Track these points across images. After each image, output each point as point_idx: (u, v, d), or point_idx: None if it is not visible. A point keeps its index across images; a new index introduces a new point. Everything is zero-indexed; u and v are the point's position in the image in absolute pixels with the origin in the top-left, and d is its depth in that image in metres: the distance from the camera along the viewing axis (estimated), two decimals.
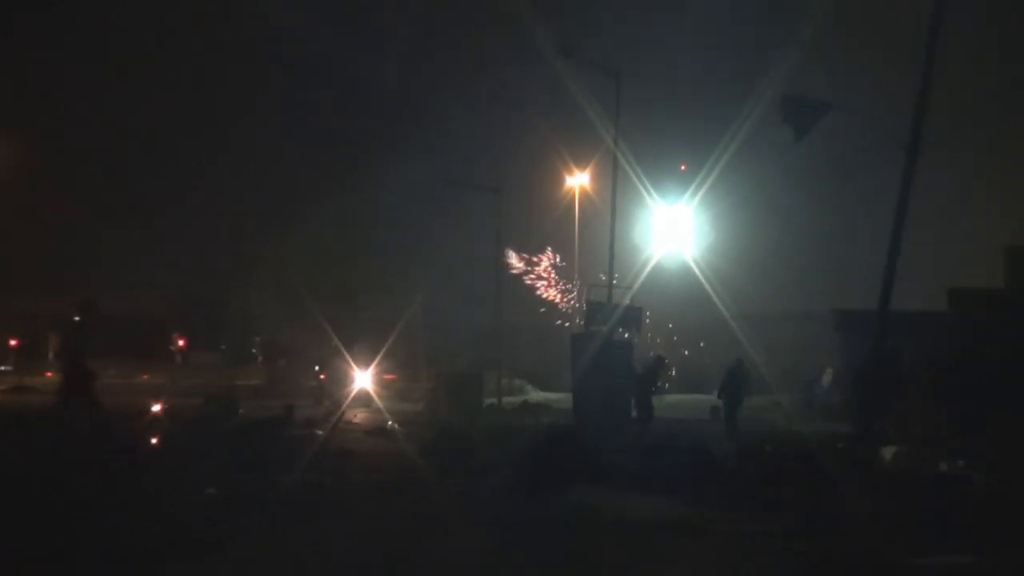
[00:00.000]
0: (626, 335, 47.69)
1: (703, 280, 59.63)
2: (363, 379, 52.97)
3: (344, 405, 48.03)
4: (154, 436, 34.30)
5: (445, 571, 17.06)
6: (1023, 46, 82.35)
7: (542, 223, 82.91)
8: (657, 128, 68.63)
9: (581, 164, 79.53)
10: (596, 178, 73.81)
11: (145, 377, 78.92)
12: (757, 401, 49.14)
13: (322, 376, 60.85)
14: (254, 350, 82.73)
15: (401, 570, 16.85)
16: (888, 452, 27.09)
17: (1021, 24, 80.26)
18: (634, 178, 56.87)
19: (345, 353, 55.00)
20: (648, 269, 56.99)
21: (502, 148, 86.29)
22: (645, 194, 60.38)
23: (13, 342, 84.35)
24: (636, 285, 52.70)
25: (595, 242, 69.93)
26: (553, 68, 56.85)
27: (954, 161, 70.01)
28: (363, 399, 52.35)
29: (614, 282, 49.26)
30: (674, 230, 63.34)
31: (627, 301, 49.03)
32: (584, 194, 78.33)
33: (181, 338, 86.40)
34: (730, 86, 72.47)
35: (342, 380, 53.97)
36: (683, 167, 64.84)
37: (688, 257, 62.90)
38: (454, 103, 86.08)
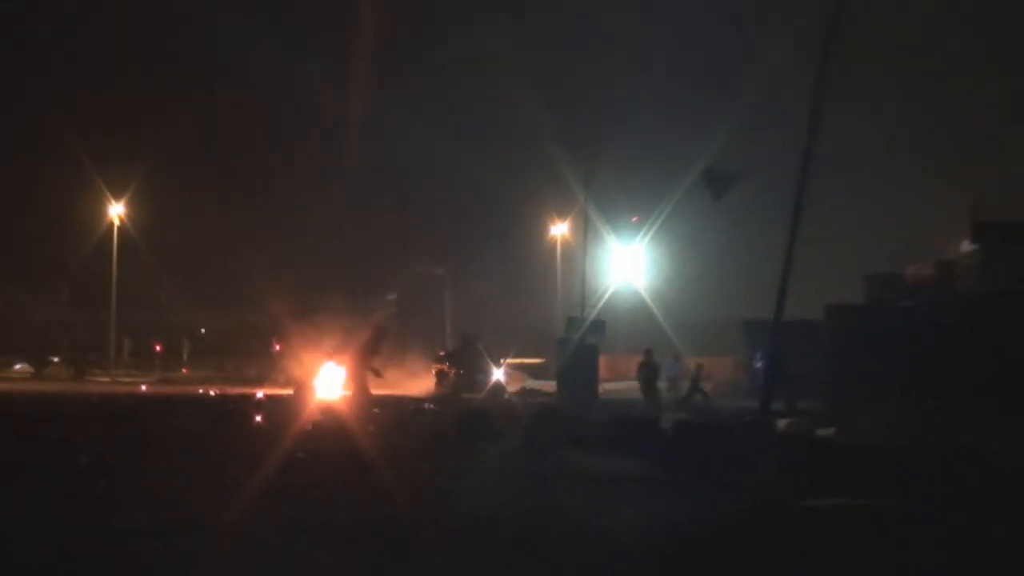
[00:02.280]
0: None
1: (647, 300, 60.17)
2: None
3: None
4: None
5: (473, 497, 17.24)
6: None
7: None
8: (618, 183, 68.39)
9: (563, 215, 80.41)
10: (573, 225, 74.53)
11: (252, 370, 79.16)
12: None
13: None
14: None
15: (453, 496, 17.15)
16: (782, 423, 27.13)
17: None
18: (600, 226, 58.01)
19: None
20: (609, 292, 57.66)
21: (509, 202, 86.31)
22: (608, 237, 61.23)
23: (158, 347, 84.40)
24: (600, 303, 53.24)
25: (573, 273, 70.04)
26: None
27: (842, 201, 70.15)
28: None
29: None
30: (629, 264, 63.59)
31: (593, 315, 49.76)
32: (564, 238, 79.25)
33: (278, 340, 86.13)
34: (677, 148, 71.95)
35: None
36: (635, 218, 64.41)
37: (639, 284, 63.21)
38: (470, 168, 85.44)
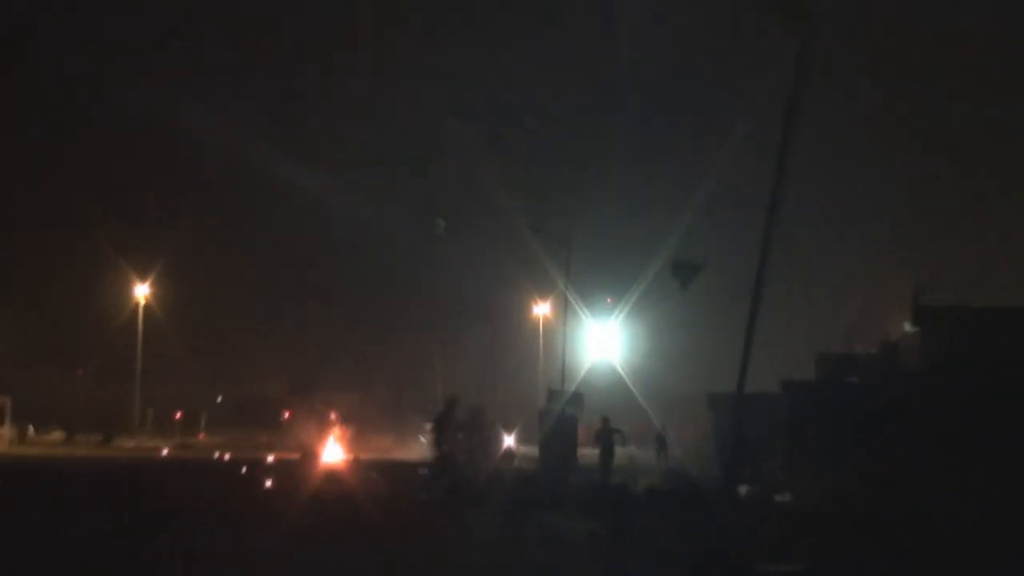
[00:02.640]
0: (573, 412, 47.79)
1: (622, 373, 60.22)
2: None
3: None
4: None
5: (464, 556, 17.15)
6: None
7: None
8: (594, 268, 68.65)
9: (544, 296, 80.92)
10: (554, 307, 74.91)
11: (262, 437, 79.07)
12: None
13: None
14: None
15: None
16: (743, 489, 27.12)
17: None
18: (578, 308, 58.37)
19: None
20: (588, 367, 57.92)
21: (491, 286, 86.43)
22: (585, 317, 61.56)
23: (177, 415, 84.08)
24: (579, 378, 53.49)
25: (554, 350, 70.15)
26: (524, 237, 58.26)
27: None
28: None
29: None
30: (605, 341, 63.77)
31: (572, 388, 50.01)
32: (546, 319, 79.68)
33: (288, 411, 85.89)
34: (647, 234, 71.90)
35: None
36: (610, 300, 64.66)
37: (614, 359, 63.30)
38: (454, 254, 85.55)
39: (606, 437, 40.26)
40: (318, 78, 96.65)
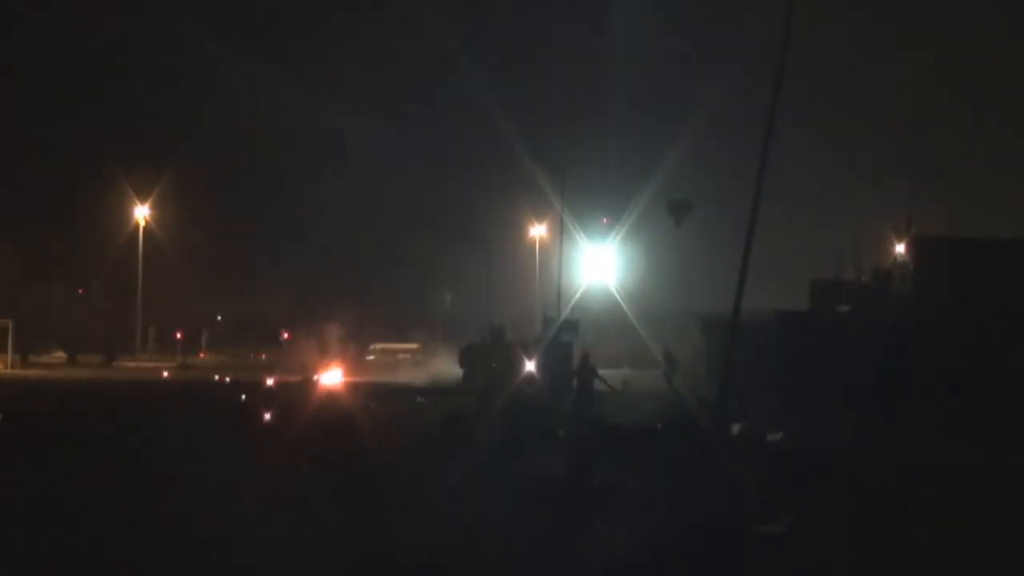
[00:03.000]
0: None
1: (617, 295, 60.10)
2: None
3: None
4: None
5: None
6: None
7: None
8: (590, 189, 68.18)
9: (541, 218, 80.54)
10: (550, 230, 74.56)
11: (263, 356, 79.34)
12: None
13: None
14: None
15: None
16: (735, 428, 26.99)
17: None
18: (574, 230, 58.16)
19: None
20: (581, 292, 57.75)
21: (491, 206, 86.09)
22: (580, 239, 61.34)
23: (179, 334, 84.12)
24: (573, 302, 53.30)
25: (551, 273, 69.83)
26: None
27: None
28: None
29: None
30: (600, 263, 63.46)
31: (567, 313, 49.85)
32: (542, 241, 79.44)
33: (287, 330, 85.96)
34: (642, 164, 71.26)
35: None
36: (605, 221, 64.17)
37: (609, 281, 63.05)
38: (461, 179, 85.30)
39: (584, 375, 39.21)
40: (327, 9, 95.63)
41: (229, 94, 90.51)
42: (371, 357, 75.07)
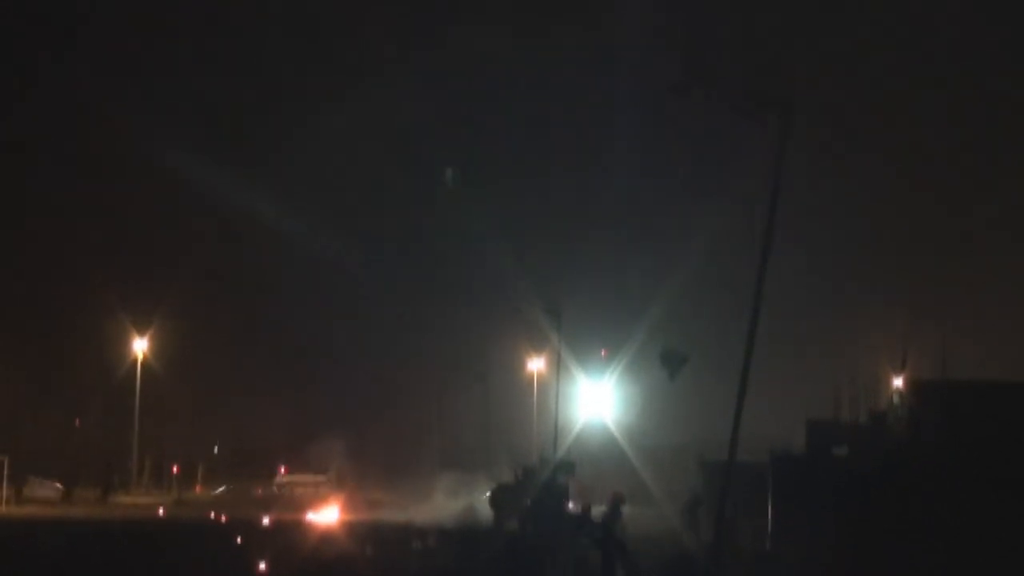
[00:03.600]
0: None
1: (615, 433, 60.19)
2: None
3: None
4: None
5: None
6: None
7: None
8: (588, 326, 68.38)
9: (539, 351, 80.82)
10: (549, 363, 74.81)
11: (259, 491, 79.31)
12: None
13: None
14: None
15: None
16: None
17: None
18: (571, 367, 58.50)
19: None
20: (578, 429, 57.94)
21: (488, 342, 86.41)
22: (578, 375, 61.58)
23: (175, 468, 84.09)
24: (568, 443, 53.34)
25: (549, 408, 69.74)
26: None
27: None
28: None
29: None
30: (598, 400, 63.56)
31: (565, 449, 50.06)
32: (540, 375, 79.75)
33: (284, 466, 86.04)
34: (638, 300, 71.56)
35: None
36: (604, 352, 64.42)
37: (607, 418, 63.10)
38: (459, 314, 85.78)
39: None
40: (313, 140, 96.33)
41: (228, 227, 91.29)
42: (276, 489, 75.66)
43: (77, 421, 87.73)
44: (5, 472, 64.91)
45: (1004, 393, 36.47)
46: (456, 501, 54.93)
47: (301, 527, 46.83)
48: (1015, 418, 34.75)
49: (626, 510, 35.80)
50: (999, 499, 32.82)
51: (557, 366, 55.80)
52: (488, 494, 51.21)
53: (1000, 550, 30.79)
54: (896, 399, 39.09)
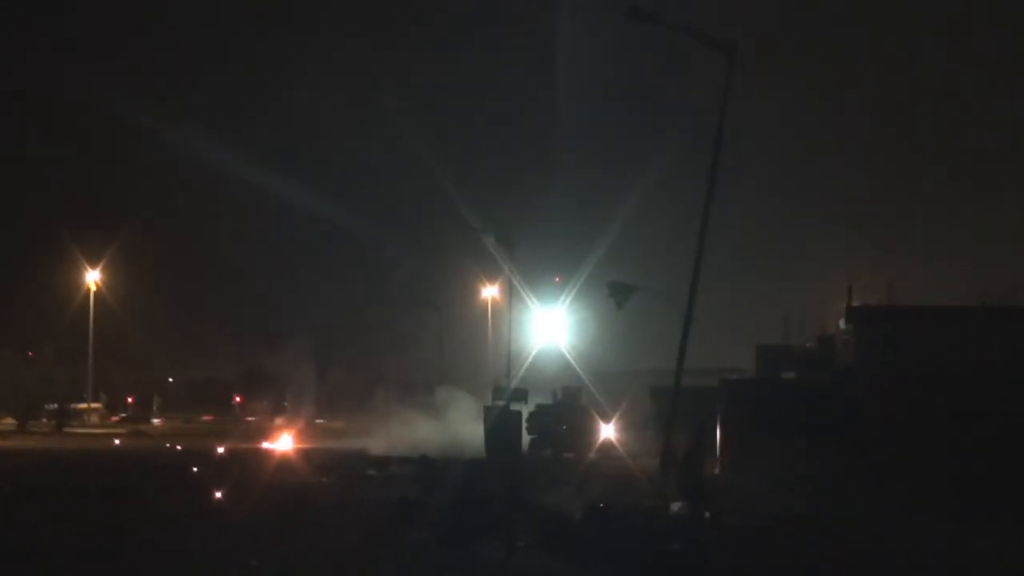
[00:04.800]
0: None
1: (569, 358, 60.67)
2: None
3: None
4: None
5: None
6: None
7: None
8: (542, 252, 68.85)
9: (493, 280, 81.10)
10: (503, 292, 75.14)
11: (214, 420, 79.66)
12: None
13: None
14: None
15: None
16: (675, 505, 27.50)
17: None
18: (525, 294, 58.88)
19: None
20: (533, 354, 58.49)
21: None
22: (532, 302, 61.97)
23: (130, 399, 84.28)
24: (520, 372, 53.93)
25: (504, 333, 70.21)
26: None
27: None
28: None
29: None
30: (552, 326, 63.99)
31: (518, 378, 50.70)
32: (495, 302, 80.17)
33: (239, 396, 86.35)
34: (592, 225, 71.82)
35: None
36: (558, 279, 64.69)
37: (561, 344, 63.54)
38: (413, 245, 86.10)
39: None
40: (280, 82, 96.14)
41: (186, 161, 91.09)
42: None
43: (30, 353, 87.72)
44: None
45: (942, 317, 37.55)
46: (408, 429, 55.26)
47: (257, 456, 47.20)
48: (953, 341, 35.83)
49: None
50: (938, 419, 33.95)
51: (509, 294, 56.37)
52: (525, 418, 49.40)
53: (941, 468, 31.82)
54: (843, 324, 39.90)
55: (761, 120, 69.56)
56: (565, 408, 51.43)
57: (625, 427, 51.18)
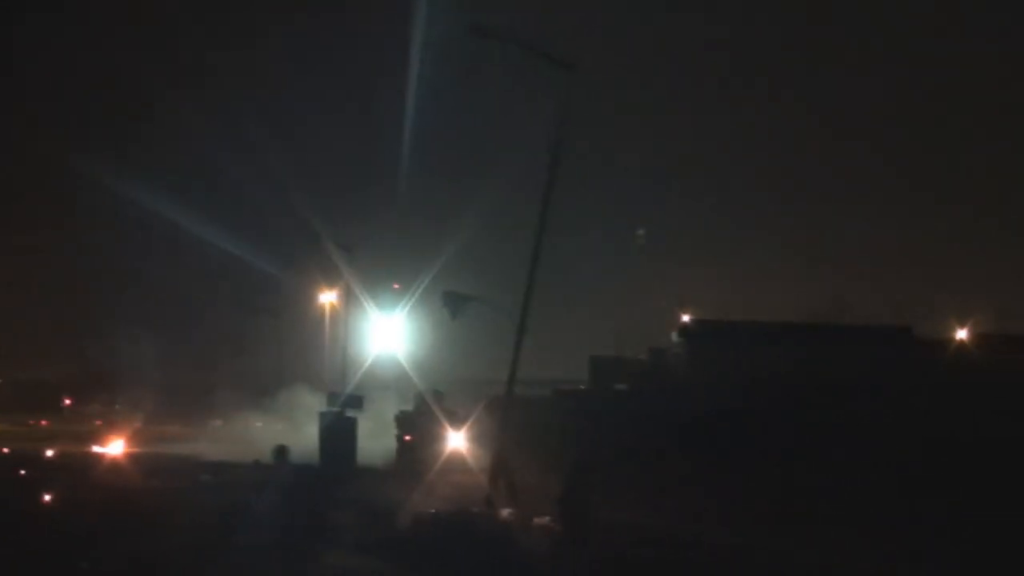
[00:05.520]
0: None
1: (407, 368, 60.76)
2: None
3: None
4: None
5: None
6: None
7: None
8: (382, 258, 68.68)
9: (333, 285, 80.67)
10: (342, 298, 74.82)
11: (43, 423, 77.79)
12: None
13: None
14: None
15: None
16: (505, 512, 27.92)
17: None
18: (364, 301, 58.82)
19: None
20: (370, 361, 58.32)
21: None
22: (370, 308, 61.91)
23: None
24: (356, 378, 53.75)
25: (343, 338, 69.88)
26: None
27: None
28: None
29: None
30: (390, 333, 63.95)
31: (349, 391, 50.61)
32: (334, 308, 79.78)
33: (68, 399, 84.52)
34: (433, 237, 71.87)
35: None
36: (396, 286, 64.58)
37: (398, 351, 63.54)
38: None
39: None
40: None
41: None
42: None
43: None
44: None
45: (771, 333, 38.88)
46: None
47: (87, 460, 46.49)
48: (780, 356, 37.09)
49: None
50: (764, 430, 35.05)
51: (346, 300, 56.36)
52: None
53: (768, 478, 32.80)
54: (675, 338, 40.96)
55: (604, 134, 70.33)
56: (419, 415, 49.08)
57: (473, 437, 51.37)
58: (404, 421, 49.08)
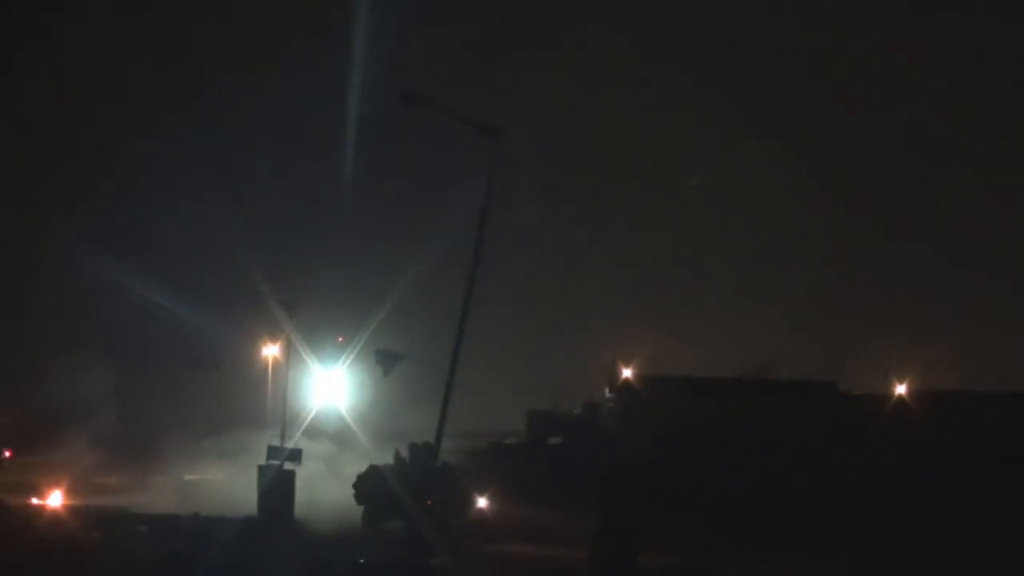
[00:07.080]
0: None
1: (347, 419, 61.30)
2: None
3: None
4: None
5: None
6: None
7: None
8: (325, 311, 69.27)
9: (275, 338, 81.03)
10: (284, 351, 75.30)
11: None
12: None
13: None
14: None
15: None
16: (433, 562, 28.56)
17: None
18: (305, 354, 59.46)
19: None
20: (310, 418, 58.90)
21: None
22: (311, 362, 62.48)
23: None
24: (298, 435, 54.29)
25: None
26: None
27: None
28: None
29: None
30: (331, 386, 64.48)
31: (292, 444, 51.14)
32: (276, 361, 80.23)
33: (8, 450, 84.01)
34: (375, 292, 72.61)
35: None
36: (340, 339, 65.19)
37: (340, 404, 64.05)
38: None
39: None
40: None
41: None
42: None
43: None
44: None
45: (700, 388, 40.04)
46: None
47: (25, 511, 46.66)
48: (709, 410, 38.28)
49: None
50: (693, 481, 36.13)
51: (287, 354, 57.11)
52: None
53: (700, 529, 33.74)
54: (608, 392, 42.03)
55: (539, 195, 71.55)
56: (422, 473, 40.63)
57: None
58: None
